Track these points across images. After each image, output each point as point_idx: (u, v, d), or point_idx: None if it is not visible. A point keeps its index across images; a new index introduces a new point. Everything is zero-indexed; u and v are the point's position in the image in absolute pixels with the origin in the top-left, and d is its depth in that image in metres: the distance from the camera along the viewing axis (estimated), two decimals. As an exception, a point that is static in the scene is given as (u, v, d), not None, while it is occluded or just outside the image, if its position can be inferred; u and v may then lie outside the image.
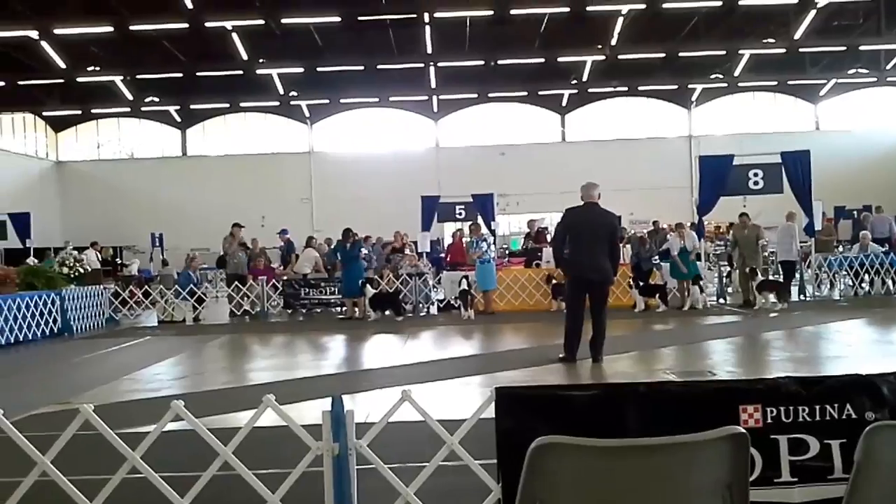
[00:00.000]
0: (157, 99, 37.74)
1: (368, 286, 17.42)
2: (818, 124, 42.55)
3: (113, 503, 3.34)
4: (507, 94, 40.83)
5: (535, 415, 3.06)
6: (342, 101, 39.90)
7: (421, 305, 18.98)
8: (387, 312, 17.41)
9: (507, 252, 25.02)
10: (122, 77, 35.22)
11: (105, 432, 3.29)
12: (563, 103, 42.11)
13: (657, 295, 17.08)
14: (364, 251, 18.72)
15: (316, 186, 41.50)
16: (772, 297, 16.67)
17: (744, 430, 2.12)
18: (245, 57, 32.31)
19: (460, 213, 23.10)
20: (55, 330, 16.24)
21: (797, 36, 31.78)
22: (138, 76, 35.32)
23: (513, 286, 18.34)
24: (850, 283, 18.95)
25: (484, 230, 19.55)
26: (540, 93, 40.37)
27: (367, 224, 29.19)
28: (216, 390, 9.36)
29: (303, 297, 19.39)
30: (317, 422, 3.27)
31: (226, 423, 6.84)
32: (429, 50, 33.00)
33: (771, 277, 19.09)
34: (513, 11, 29.07)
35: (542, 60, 35.07)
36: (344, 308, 18.24)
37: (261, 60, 33.15)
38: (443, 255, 23.73)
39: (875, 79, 38.79)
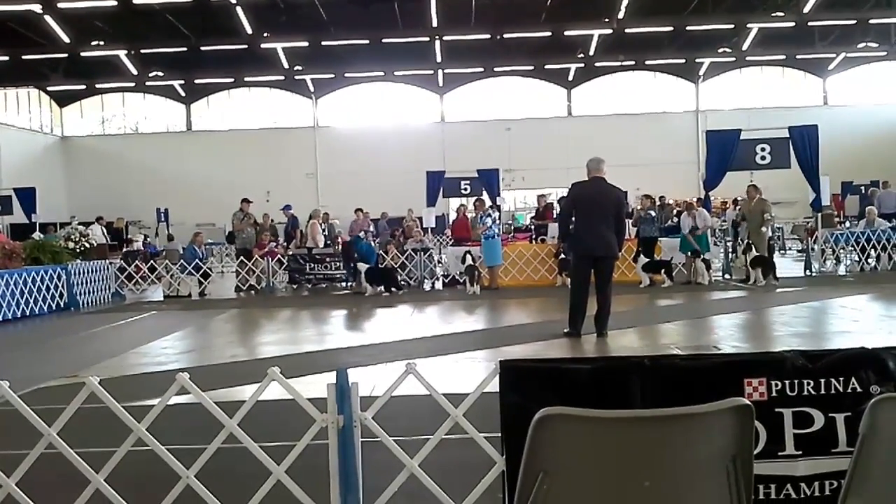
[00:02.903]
0: (161, 73, 37.63)
1: (361, 262, 17.44)
2: (826, 99, 42.25)
3: (119, 475, 3.35)
4: (513, 68, 40.60)
5: (540, 388, 3.06)
6: (347, 75, 39.78)
7: (426, 281, 19.00)
8: (380, 289, 17.31)
9: (512, 228, 24.99)
10: (126, 51, 35.10)
11: (111, 404, 3.30)
12: (570, 77, 41.87)
13: (663, 270, 17.05)
14: (363, 232, 18.73)
15: (321, 161, 41.44)
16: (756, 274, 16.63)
17: (748, 402, 2.11)
18: (249, 31, 32.15)
19: (465, 189, 22.99)
20: (61, 304, 16.31)
21: (806, 9, 31.47)
22: (143, 50, 35.22)
23: (518, 261, 18.32)
24: (857, 258, 18.89)
25: (489, 205, 19.51)
26: (546, 67, 40.13)
27: (372, 199, 29.25)
28: (222, 364, 9.40)
29: (308, 272, 19.41)
30: (322, 395, 3.27)
31: (232, 397, 6.89)
32: (434, 23, 32.79)
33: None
34: (519, -16, 28.86)
35: (549, 34, 34.82)
36: (349, 283, 18.30)
37: (265, 34, 32.98)
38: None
39: (885, 52, 38.41)
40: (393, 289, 17.22)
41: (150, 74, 37.39)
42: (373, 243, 19.51)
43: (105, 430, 3.86)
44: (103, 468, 3.32)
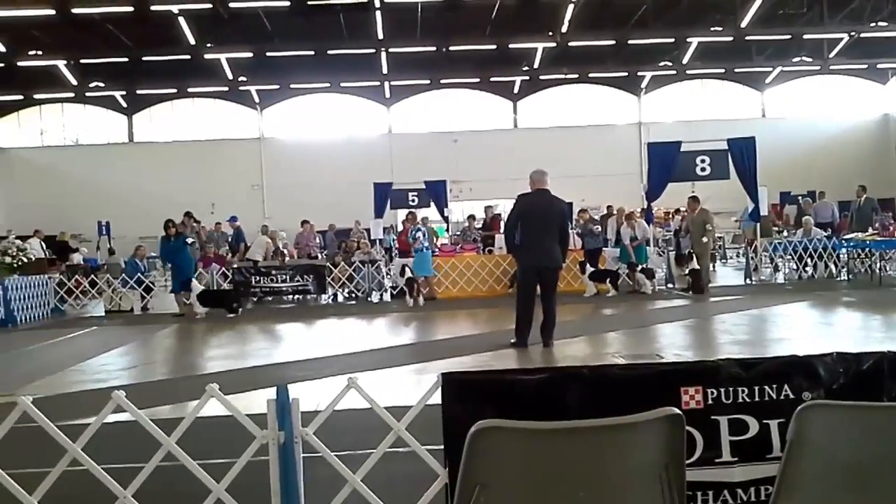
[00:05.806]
0: (102, 84, 36.87)
1: (195, 282, 16.93)
2: (764, 111, 43.33)
3: (54, 496, 3.28)
4: (459, 80, 40.78)
5: (481, 399, 3.07)
6: (292, 86, 39.48)
7: (374, 293, 18.96)
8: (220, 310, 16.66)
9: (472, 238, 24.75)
10: (65, 62, 34.34)
11: (44, 424, 3.22)
12: (515, 90, 42.22)
13: (608, 280, 17.27)
14: (190, 240, 17.80)
15: (267, 173, 41.03)
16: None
17: (679, 411, 2.16)
18: (192, 41, 31.73)
19: (413, 200, 23.00)
20: (-2, 321, 15.85)
21: (743, 24, 32.27)
22: (82, 60, 34.48)
23: (466, 272, 18.37)
24: (795, 266, 19.39)
25: (419, 219, 19.56)
26: (492, 79, 40.39)
27: (319, 210, 29.08)
28: (163, 380, 9.25)
29: (253, 286, 19.17)
30: (264, 411, 3.25)
31: (173, 414, 6.77)
32: (380, 35, 32.81)
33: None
34: (464, -3, 29.08)
35: (494, 47, 35.08)
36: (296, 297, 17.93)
37: (209, 45, 32.57)
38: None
39: (818, 67, 39.61)
40: (230, 312, 16.36)
41: (91, 85, 36.63)
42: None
43: (39, 450, 3.76)
44: (37, 489, 3.24)
